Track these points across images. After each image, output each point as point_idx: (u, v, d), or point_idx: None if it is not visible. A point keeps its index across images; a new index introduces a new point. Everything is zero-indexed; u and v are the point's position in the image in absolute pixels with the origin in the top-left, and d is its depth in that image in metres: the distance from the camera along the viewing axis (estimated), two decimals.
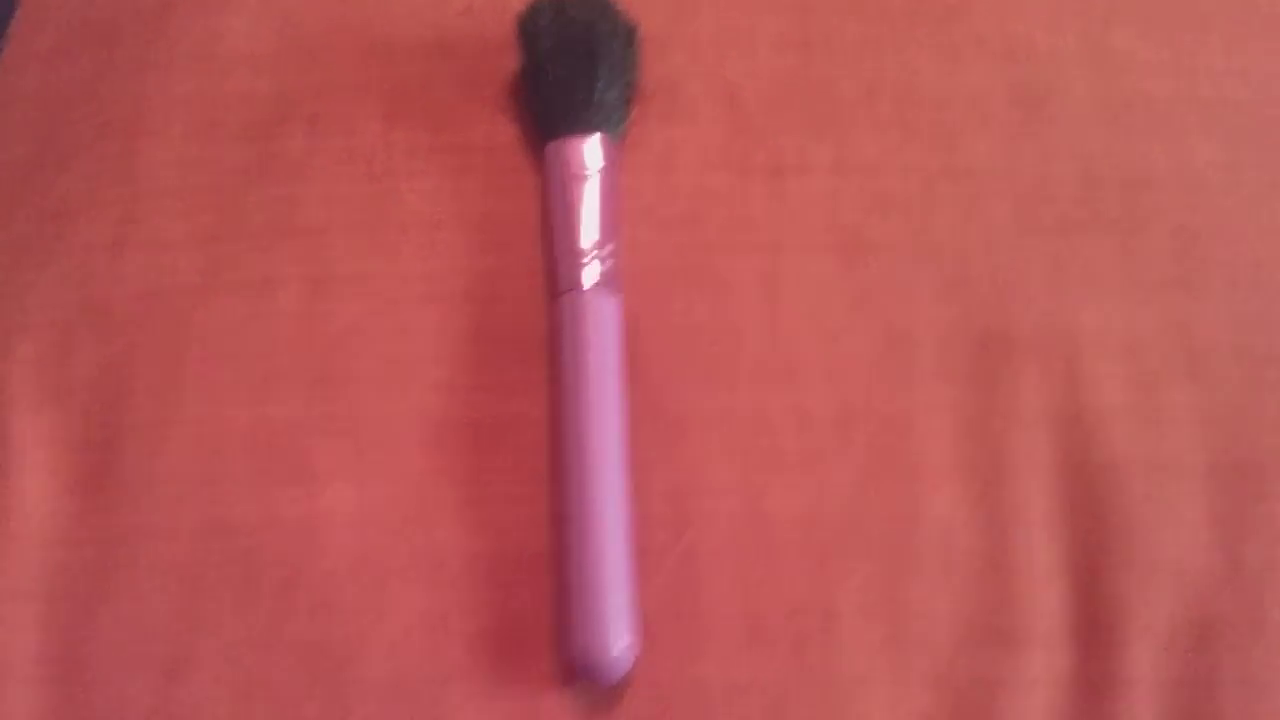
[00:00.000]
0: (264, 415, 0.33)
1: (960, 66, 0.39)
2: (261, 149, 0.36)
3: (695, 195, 0.36)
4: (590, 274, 0.34)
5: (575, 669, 0.30)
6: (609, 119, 0.36)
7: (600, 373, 0.33)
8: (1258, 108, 0.39)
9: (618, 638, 0.29)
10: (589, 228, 0.35)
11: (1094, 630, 0.32)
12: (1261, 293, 0.36)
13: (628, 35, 0.37)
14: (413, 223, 0.36)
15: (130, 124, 0.37)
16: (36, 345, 0.34)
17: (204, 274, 0.35)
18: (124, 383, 0.33)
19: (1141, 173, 0.38)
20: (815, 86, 0.39)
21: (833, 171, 0.37)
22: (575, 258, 0.34)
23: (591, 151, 0.35)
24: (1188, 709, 0.31)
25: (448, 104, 0.38)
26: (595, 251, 0.34)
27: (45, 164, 0.37)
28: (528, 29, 0.37)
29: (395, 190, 0.36)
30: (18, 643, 0.31)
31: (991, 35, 0.40)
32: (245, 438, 0.32)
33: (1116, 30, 0.41)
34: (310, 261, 0.35)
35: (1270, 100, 0.40)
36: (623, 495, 0.31)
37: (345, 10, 0.39)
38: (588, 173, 0.35)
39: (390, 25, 0.39)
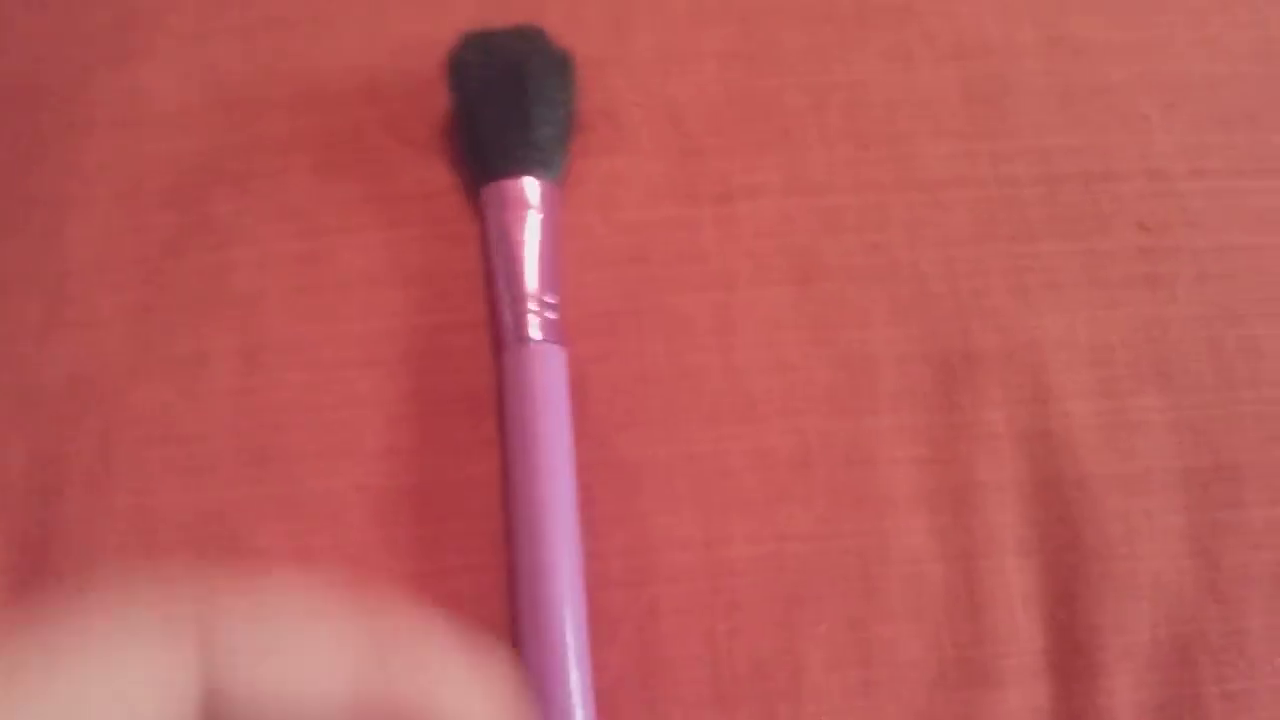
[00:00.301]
0: (200, 501, 0.32)
1: (910, 68, 0.38)
2: (190, 213, 0.35)
3: (641, 229, 0.35)
4: (534, 325, 0.33)
5: None
6: (547, 158, 0.35)
7: (549, 432, 0.31)
8: (1223, 83, 0.38)
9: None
10: (530, 276, 0.33)
11: (1072, 658, 0.31)
12: (1231, 281, 0.35)
13: (562, 67, 0.36)
14: (350, 281, 0.34)
15: (56, 195, 0.36)
16: None
17: (135, 353, 0.33)
18: (57, 476, 0.32)
19: (1103, 165, 0.37)
20: (761, 101, 0.37)
21: (783, 192, 0.36)
22: (519, 308, 0.33)
23: (530, 193, 0.34)
24: None
25: (381, 151, 0.36)
26: (539, 300, 0.33)
27: None
28: (457, 66, 0.35)
29: (331, 248, 0.35)
30: None
31: (942, 32, 0.39)
32: (181, 527, 0.32)
33: (1075, 15, 0.39)
34: (244, 331, 0.34)
35: (1236, 75, 0.38)
36: (576, 561, 0.30)
37: (272, 60, 0.38)
38: (526, 216, 0.34)
39: (319, 72, 0.38)
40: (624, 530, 0.32)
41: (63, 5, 0.39)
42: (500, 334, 0.33)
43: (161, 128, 0.37)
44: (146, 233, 0.35)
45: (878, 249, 0.35)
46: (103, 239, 0.35)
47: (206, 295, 0.34)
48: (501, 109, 0.34)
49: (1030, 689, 0.31)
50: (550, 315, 0.33)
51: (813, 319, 0.34)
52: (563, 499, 0.31)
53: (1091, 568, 0.32)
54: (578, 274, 0.35)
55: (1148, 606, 0.31)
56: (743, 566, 0.31)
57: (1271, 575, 0.32)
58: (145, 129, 0.37)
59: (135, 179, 0.36)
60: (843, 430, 0.33)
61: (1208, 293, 0.35)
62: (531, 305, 0.33)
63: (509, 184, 0.34)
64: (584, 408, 0.33)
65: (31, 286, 0.34)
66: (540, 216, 0.34)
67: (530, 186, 0.34)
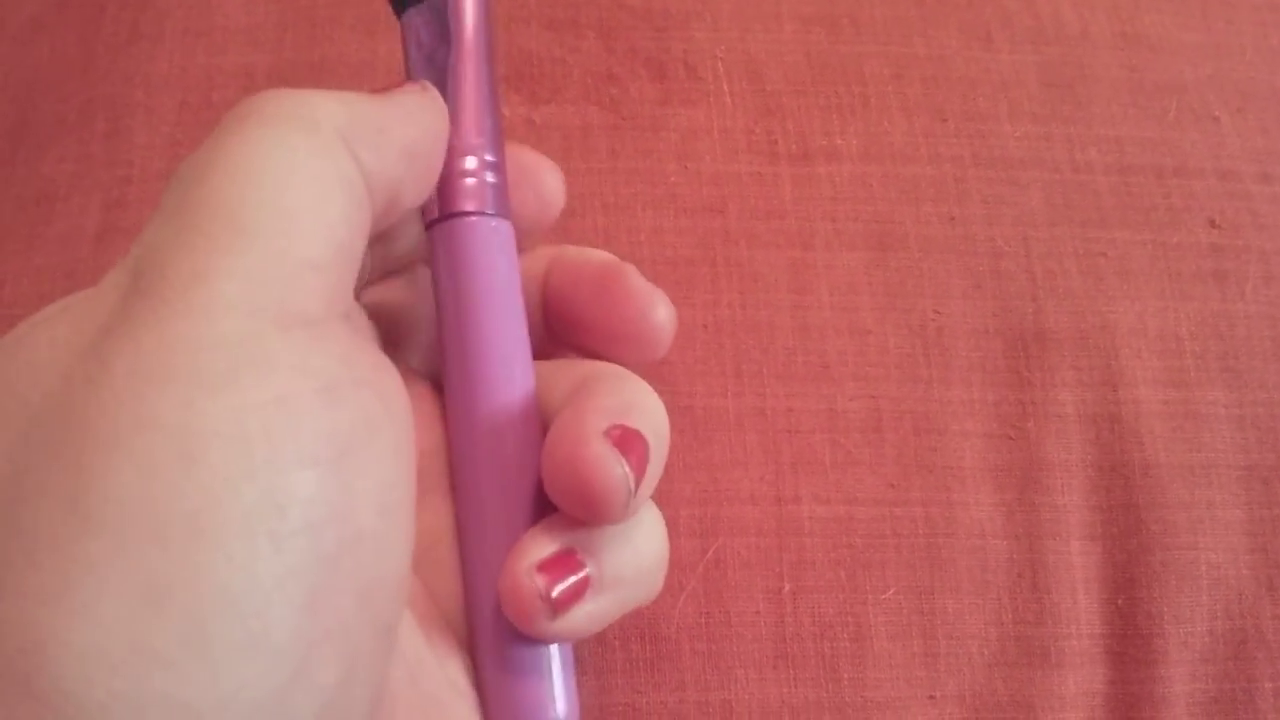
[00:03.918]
0: None
1: (990, 48, 0.38)
2: None
3: (719, 181, 0.35)
4: (471, 193, 0.24)
5: None
6: None
7: (496, 328, 0.23)
8: None
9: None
10: (464, 126, 0.24)
11: (1130, 645, 0.31)
12: None
13: None
14: None
15: (118, 102, 0.35)
16: None
17: None
18: None
19: (1175, 160, 0.37)
20: (841, 66, 0.37)
21: (862, 158, 0.35)
22: (448, 169, 0.24)
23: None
24: None
25: None
26: (476, 160, 0.24)
27: (25, 146, 0.35)
28: None
29: None
30: None
31: (1020, 16, 0.38)
32: None
33: (1148, 13, 0.39)
34: None
35: None
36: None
37: None
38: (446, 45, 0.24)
39: None
40: (692, 480, 0.31)
41: None
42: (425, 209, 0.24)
43: (231, 41, 0.36)
44: None
45: (954, 222, 0.35)
46: (167, 147, 0.34)
47: None
48: None
49: (1088, 672, 0.30)
50: (490, 178, 0.24)
51: (887, 286, 0.34)
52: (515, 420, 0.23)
53: (1153, 556, 0.31)
54: (653, 220, 0.34)
55: (1206, 599, 0.31)
56: (810, 526, 0.31)
57: None
58: (214, 41, 0.36)
59: (202, 90, 0.35)
60: (914, 399, 0.32)
61: (1274, 294, 0.35)
62: (467, 163, 0.24)
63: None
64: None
65: (92, 189, 0.33)
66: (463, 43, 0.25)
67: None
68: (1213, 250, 0.35)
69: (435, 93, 0.23)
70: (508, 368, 0.23)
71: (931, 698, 0.30)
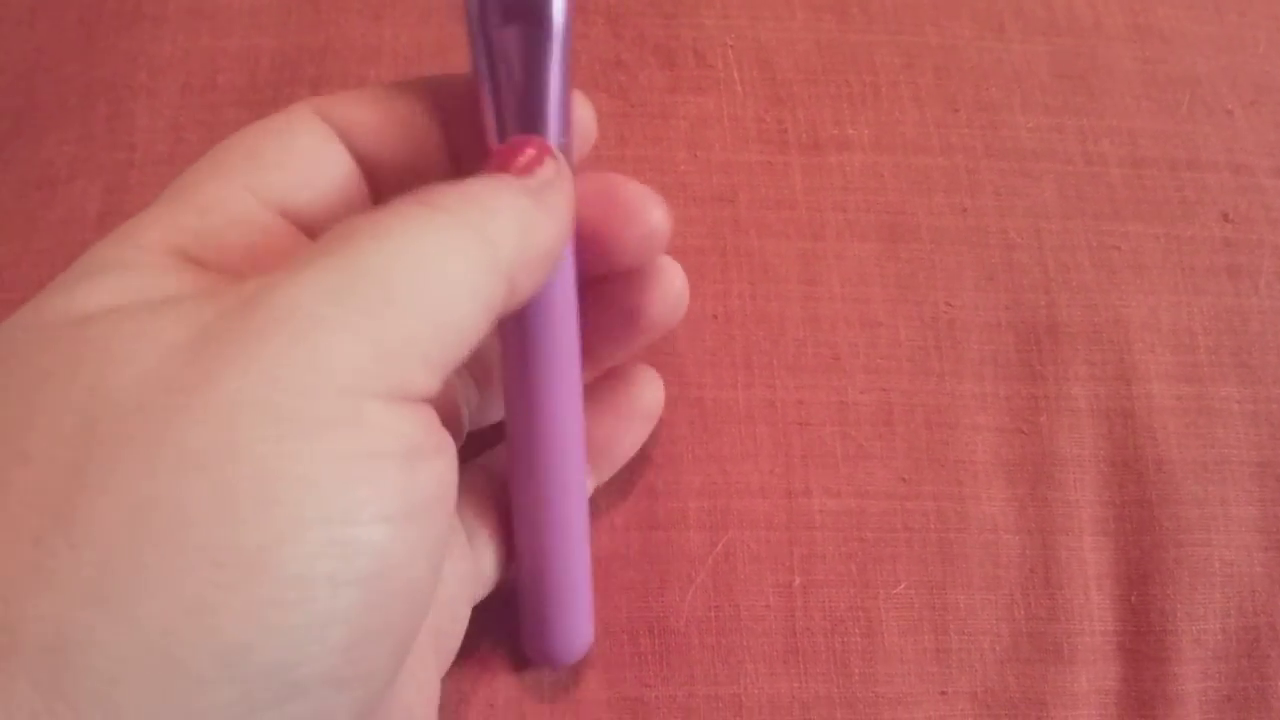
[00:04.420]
0: None
1: (1002, 38, 0.37)
2: (262, 113, 0.33)
3: (730, 170, 0.34)
4: None
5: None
6: None
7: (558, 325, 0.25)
8: None
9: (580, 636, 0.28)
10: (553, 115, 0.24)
11: (1143, 642, 0.30)
12: None
13: None
14: None
15: (120, 85, 0.34)
16: None
17: None
18: None
19: (1188, 154, 0.36)
20: (851, 55, 0.36)
21: (873, 148, 0.35)
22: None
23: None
24: None
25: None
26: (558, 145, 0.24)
27: (25, 129, 0.34)
28: None
29: None
30: None
31: (1033, 7, 0.38)
32: None
33: (1161, 6, 0.39)
34: None
35: None
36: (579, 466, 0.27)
37: None
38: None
39: None
40: (701, 472, 0.31)
41: None
42: None
43: (235, 23, 0.35)
44: (216, 129, 0.33)
45: (967, 213, 0.34)
46: (170, 131, 0.33)
47: None
48: None
49: (1100, 669, 0.30)
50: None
51: (899, 277, 0.33)
52: (567, 396, 0.26)
53: (1166, 552, 0.31)
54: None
55: (1219, 595, 0.31)
56: (821, 519, 0.30)
57: None
58: (218, 23, 0.35)
59: (207, 74, 0.34)
60: (925, 392, 0.32)
61: None
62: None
63: None
64: (666, 342, 0.31)
65: (94, 173, 0.33)
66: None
67: None
68: (1226, 244, 0.35)
69: (566, 170, 0.23)
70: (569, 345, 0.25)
71: (943, 693, 0.29)
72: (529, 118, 0.23)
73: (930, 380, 0.32)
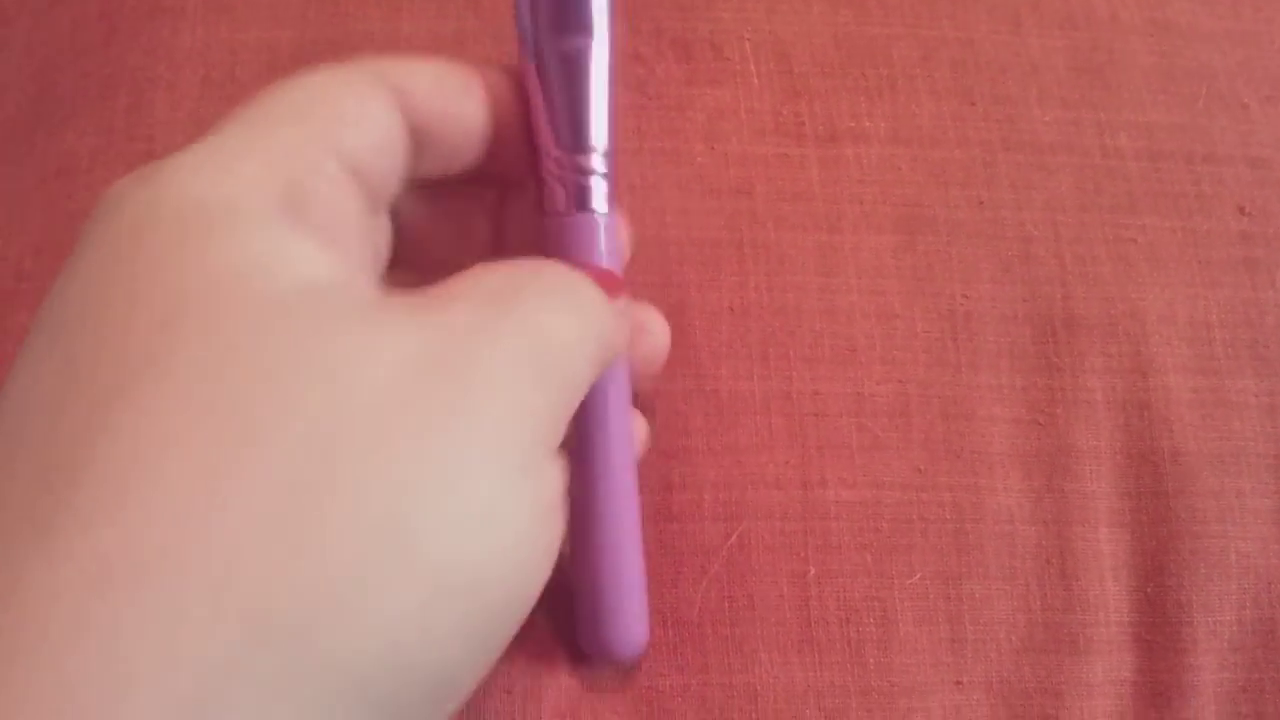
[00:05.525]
0: None
1: (1018, 32, 0.37)
2: None
3: (746, 162, 0.34)
4: (599, 191, 0.26)
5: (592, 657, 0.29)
6: None
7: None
8: None
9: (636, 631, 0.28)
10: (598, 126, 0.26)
11: (1158, 633, 0.30)
12: None
13: None
14: None
15: (140, 76, 0.34)
16: None
17: None
18: None
19: (1204, 147, 0.36)
20: (868, 48, 0.36)
21: (890, 140, 0.35)
22: (579, 165, 0.26)
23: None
24: (1254, 716, 0.30)
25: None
26: (604, 158, 0.26)
27: (46, 120, 0.34)
28: None
29: None
30: None
31: (1049, 0, 0.38)
32: None
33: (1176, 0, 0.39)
34: None
35: None
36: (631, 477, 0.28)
37: None
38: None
39: None
40: (717, 463, 0.31)
41: None
42: (552, 199, 0.26)
43: (254, 16, 0.35)
44: None
45: (983, 205, 0.34)
46: (189, 122, 0.33)
47: None
48: None
49: (1115, 659, 0.30)
50: (610, 179, 0.26)
51: (915, 269, 0.33)
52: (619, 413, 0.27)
53: (1182, 544, 0.31)
54: (680, 201, 0.33)
55: (1235, 587, 0.31)
56: (836, 510, 0.30)
57: None
58: (238, 16, 0.35)
59: (226, 66, 0.34)
60: (941, 383, 0.32)
61: None
62: (596, 164, 0.26)
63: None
64: (682, 334, 0.32)
65: (114, 164, 0.33)
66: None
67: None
68: (1242, 238, 0.35)
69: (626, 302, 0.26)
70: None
71: (958, 683, 0.29)
72: (576, 124, 0.25)
73: (946, 372, 0.32)
